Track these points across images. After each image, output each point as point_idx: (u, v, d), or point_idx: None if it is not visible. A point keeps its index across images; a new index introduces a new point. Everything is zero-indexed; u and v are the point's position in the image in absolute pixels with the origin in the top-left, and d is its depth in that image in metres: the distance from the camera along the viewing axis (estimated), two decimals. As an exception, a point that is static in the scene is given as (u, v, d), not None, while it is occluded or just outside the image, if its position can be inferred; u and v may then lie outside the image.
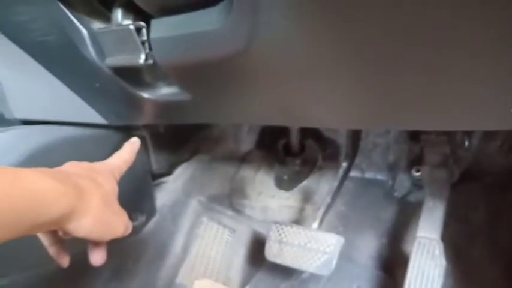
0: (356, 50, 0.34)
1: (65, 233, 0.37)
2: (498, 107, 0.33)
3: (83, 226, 0.35)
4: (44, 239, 0.40)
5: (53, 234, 0.40)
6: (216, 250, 0.82)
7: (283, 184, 0.95)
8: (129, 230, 0.42)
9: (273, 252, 0.61)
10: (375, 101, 0.38)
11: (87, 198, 0.35)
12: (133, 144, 0.48)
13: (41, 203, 0.31)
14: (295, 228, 0.62)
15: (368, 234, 0.73)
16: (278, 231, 0.63)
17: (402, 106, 0.37)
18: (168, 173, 0.92)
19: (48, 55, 0.56)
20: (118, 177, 0.43)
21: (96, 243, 0.40)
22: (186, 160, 0.95)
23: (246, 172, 0.98)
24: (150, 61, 0.43)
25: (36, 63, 0.58)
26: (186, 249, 0.83)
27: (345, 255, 0.63)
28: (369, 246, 0.71)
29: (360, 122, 0.43)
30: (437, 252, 0.54)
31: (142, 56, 0.42)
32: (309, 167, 0.93)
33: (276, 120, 0.48)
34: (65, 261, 0.41)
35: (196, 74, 0.44)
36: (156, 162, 0.85)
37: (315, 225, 0.65)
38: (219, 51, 0.37)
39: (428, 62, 0.32)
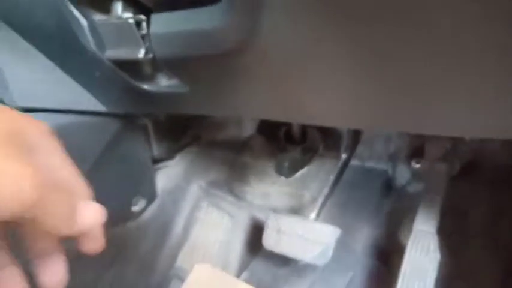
0: (361, 49, 0.33)
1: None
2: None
3: None
4: None
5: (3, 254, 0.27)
6: (216, 235, 0.84)
7: (283, 171, 0.95)
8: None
9: (270, 242, 0.62)
10: (378, 101, 0.38)
11: None
12: None
13: None
14: (293, 218, 0.63)
15: (365, 223, 0.74)
16: (276, 220, 0.64)
17: (407, 108, 0.37)
18: (170, 157, 0.93)
19: (48, 43, 0.56)
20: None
21: (42, 245, 0.27)
22: (188, 145, 0.96)
23: (247, 158, 0.99)
24: (150, 55, 0.43)
25: (36, 51, 0.58)
26: (186, 234, 0.84)
27: (342, 244, 0.64)
28: (365, 236, 0.72)
29: (361, 122, 0.43)
30: (432, 246, 0.55)
31: (142, 50, 0.42)
32: (310, 154, 0.93)
33: (277, 115, 0.48)
34: None
35: (196, 69, 0.44)
36: (157, 147, 0.86)
37: (313, 215, 0.66)
38: (219, 49, 0.37)
39: (435, 61, 0.31)
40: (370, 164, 0.84)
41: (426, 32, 0.29)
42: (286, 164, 0.97)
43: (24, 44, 0.56)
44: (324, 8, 0.31)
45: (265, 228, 0.63)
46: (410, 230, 0.59)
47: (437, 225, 0.58)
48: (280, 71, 0.39)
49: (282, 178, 0.94)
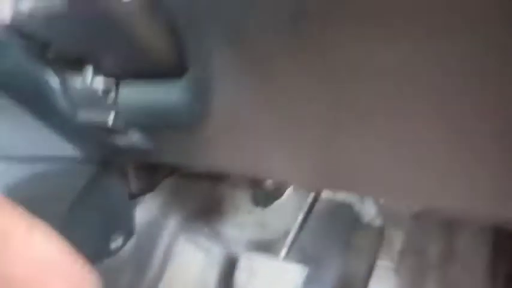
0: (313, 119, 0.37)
1: None
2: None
3: None
4: None
5: None
6: (192, 272, 0.86)
7: (260, 201, 0.98)
8: None
9: (242, 283, 0.65)
10: (326, 167, 0.41)
11: None
12: None
13: None
14: (263, 258, 0.66)
15: (335, 258, 0.77)
16: (248, 260, 0.66)
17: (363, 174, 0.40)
18: (148, 191, 0.94)
19: (22, 96, 0.58)
20: None
21: None
22: (165, 178, 0.98)
23: (224, 189, 1.01)
24: (119, 120, 0.46)
25: (10, 102, 0.60)
26: (162, 270, 0.86)
27: (311, 279, 0.66)
28: (335, 271, 0.75)
29: (315, 185, 0.46)
30: (392, 283, 0.58)
31: (111, 117, 0.45)
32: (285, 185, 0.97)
33: (241, 171, 0.51)
34: None
35: (164, 132, 0.47)
36: (135, 182, 0.88)
37: (283, 252, 0.69)
38: (180, 123, 0.40)
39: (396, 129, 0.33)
40: (340, 196, 0.87)
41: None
42: (262, 195, 1.00)
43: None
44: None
45: (237, 269, 0.66)
46: (373, 266, 0.62)
47: (397, 262, 0.61)
48: (238, 137, 0.42)
49: (258, 209, 0.97)
